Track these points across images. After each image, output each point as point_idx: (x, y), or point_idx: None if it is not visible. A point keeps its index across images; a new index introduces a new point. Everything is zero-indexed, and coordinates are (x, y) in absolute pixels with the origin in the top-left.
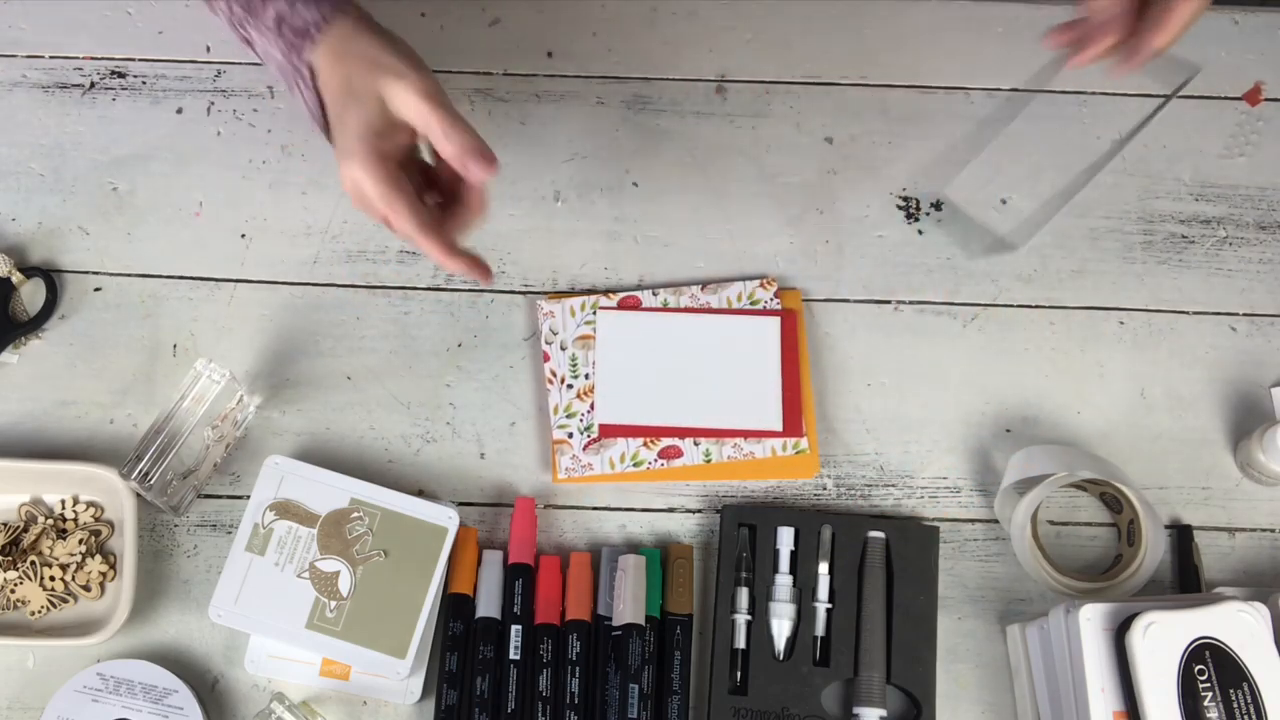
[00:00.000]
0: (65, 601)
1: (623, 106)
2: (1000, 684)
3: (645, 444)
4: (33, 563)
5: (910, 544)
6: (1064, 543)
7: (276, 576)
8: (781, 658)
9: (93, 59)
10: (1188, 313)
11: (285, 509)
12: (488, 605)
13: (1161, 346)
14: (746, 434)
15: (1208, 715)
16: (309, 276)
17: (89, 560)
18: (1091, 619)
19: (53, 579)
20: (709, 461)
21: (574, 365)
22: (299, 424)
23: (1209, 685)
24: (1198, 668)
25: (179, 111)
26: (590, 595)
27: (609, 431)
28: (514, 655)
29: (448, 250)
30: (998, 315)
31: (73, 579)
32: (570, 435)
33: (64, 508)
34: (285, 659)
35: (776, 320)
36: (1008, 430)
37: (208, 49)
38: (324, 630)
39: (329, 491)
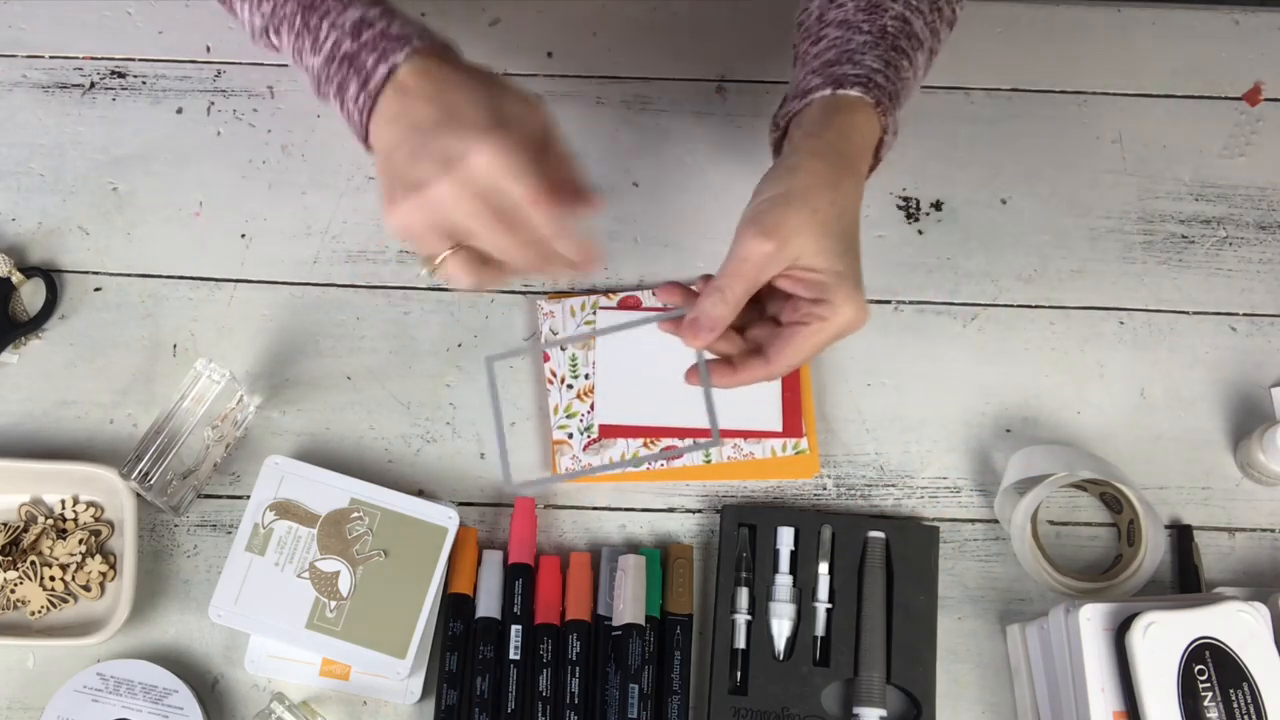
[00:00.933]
0: (65, 601)
1: (623, 106)
2: (1000, 684)
3: (645, 444)
4: (33, 563)
5: (910, 544)
6: (1064, 543)
7: (276, 576)
8: (781, 658)
9: (93, 59)
10: (1188, 313)
11: (285, 509)
12: (488, 605)
13: (1161, 346)
14: (746, 434)
15: (1208, 715)
16: (309, 276)
17: (89, 560)
18: (1091, 619)
19: (53, 579)
20: (709, 462)
21: (574, 365)
22: (299, 424)
23: (1209, 685)
24: (1198, 668)
25: (179, 111)
26: (590, 595)
27: (609, 432)
28: (514, 655)
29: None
30: (998, 315)
31: (73, 579)
32: (570, 435)
33: (64, 508)
34: (285, 659)
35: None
36: (1008, 430)
37: (208, 49)
38: (324, 630)
39: (329, 491)
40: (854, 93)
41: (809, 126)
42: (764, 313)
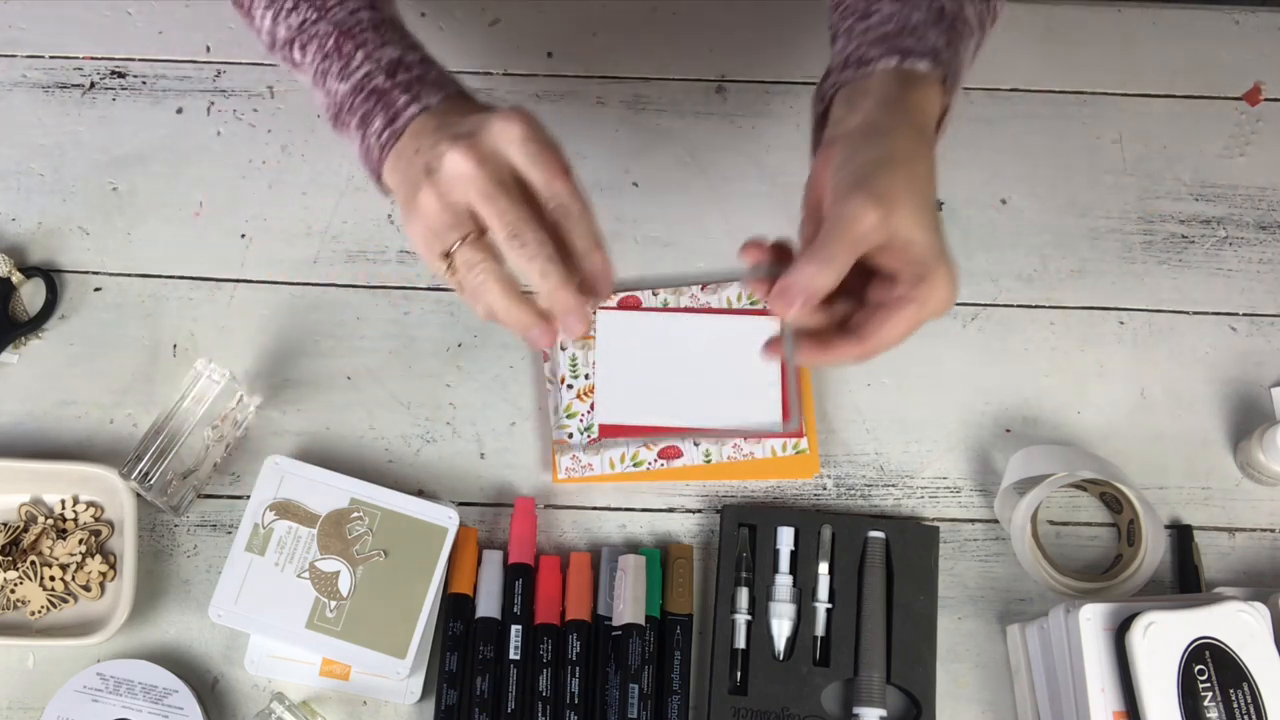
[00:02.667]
0: (65, 601)
1: (623, 106)
2: (1000, 684)
3: (645, 444)
4: (33, 563)
5: (910, 544)
6: (1064, 543)
7: (276, 576)
8: (781, 658)
9: (93, 59)
10: (1188, 313)
11: (285, 509)
12: (488, 605)
13: (1161, 346)
14: (746, 434)
15: (1208, 715)
16: (309, 276)
17: (89, 560)
18: (1091, 619)
19: (53, 579)
20: (709, 462)
21: (574, 365)
22: (299, 424)
23: (1209, 685)
24: (1198, 668)
25: (179, 111)
26: (590, 595)
27: (609, 432)
28: (514, 655)
29: (566, 284)
30: (998, 315)
31: (73, 579)
32: (570, 435)
33: (64, 508)
34: (285, 659)
35: (777, 320)
36: (1008, 430)
37: (208, 49)
38: (324, 630)
39: (329, 491)
40: (922, 66)
41: (885, 94)
42: (843, 287)
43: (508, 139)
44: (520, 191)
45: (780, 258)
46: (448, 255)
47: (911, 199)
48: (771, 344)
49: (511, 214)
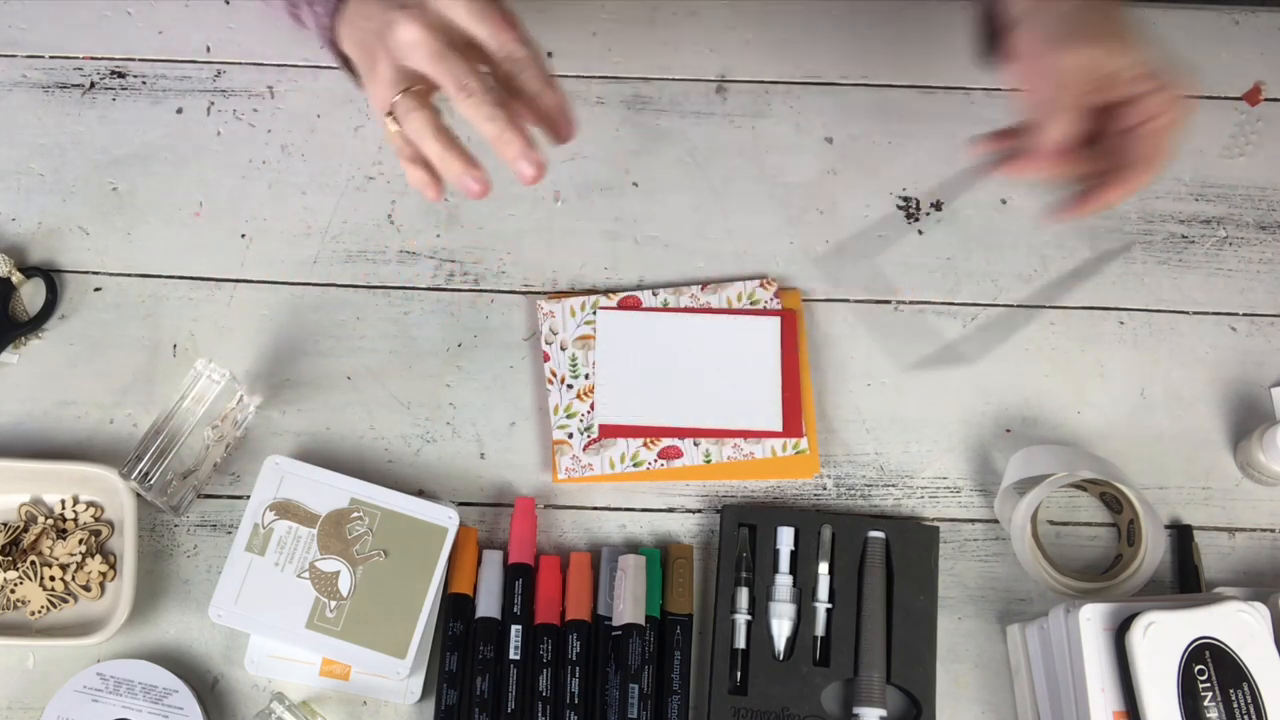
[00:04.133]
0: (65, 601)
1: (623, 106)
2: (1000, 684)
3: (645, 444)
4: (33, 563)
5: (910, 544)
6: (1064, 543)
7: (276, 576)
8: (781, 658)
9: (93, 59)
10: (1188, 313)
11: (285, 509)
12: (488, 605)
13: (1161, 346)
14: (746, 434)
15: (1208, 715)
16: (309, 276)
17: (89, 560)
18: (1091, 619)
19: (53, 579)
20: (709, 462)
21: (574, 365)
22: (299, 424)
23: (1209, 685)
24: (1198, 668)
25: (179, 111)
26: (590, 595)
27: (609, 432)
28: (514, 655)
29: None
30: (998, 315)
31: (73, 579)
32: (570, 435)
33: (64, 508)
34: (285, 659)
35: (776, 320)
36: (1008, 430)
37: (208, 49)
38: (324, 630)
39: (329, 491)
40: None
41: None
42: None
43: (451, 2)
44: (470, 53)
45: (1009, 139)
46: (392, 113)
47: (1116, 30)
48: (1059, 208)
49: (458, 68)
